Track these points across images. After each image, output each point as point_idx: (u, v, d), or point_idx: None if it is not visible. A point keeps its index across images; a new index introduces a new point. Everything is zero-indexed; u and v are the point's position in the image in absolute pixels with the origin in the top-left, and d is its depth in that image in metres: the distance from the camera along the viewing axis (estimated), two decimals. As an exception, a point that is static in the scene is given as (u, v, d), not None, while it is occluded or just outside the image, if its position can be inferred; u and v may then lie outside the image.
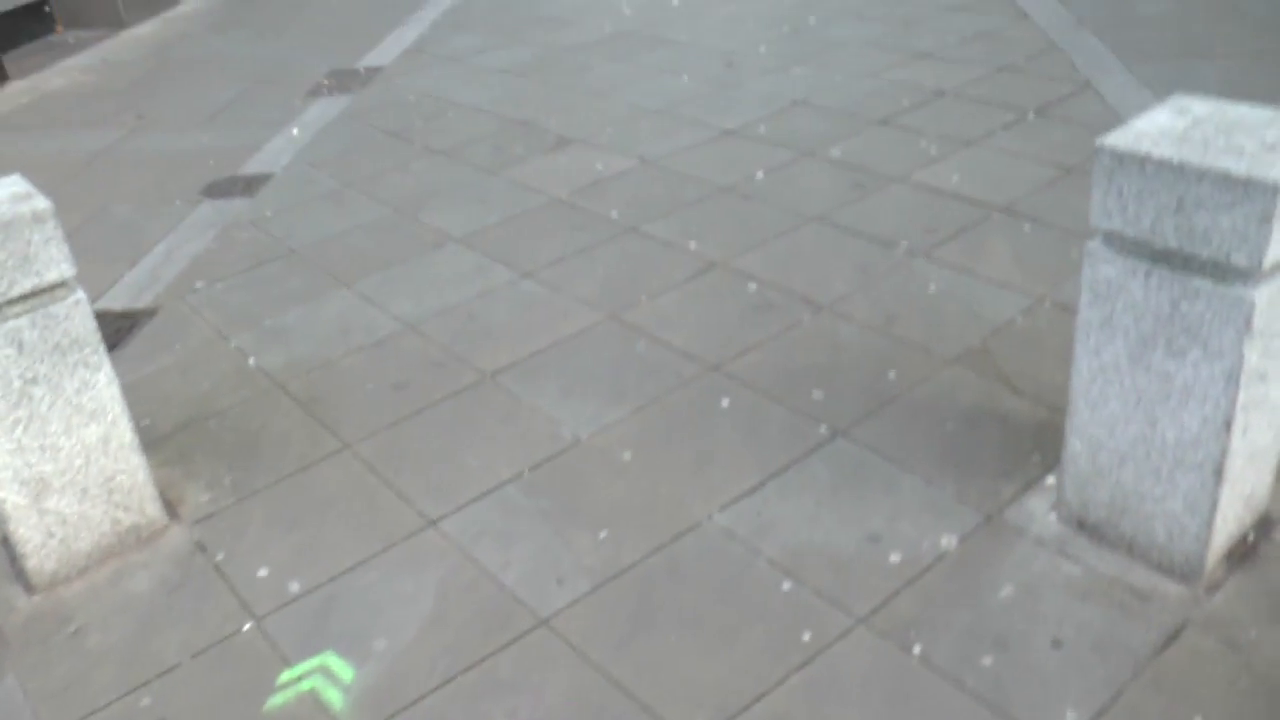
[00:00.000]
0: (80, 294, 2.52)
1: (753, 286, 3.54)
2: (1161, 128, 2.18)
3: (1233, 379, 2.15)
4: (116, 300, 4.00)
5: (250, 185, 4.90)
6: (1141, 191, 2.12)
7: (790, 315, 3.37)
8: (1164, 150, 2.09)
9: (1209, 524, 2.30)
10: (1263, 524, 2.49)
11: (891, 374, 3.05)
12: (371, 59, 6.78)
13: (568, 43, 6.65)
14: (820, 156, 4.48)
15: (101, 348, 2.59)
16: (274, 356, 3.50)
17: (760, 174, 4.36)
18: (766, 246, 3.78)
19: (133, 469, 2.71)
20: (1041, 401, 2.89)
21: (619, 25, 6.93)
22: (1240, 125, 2.14)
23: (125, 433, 2.68)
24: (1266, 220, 1.97)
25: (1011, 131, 4.56)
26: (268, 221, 4.49)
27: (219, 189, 4.90)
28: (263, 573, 2.60)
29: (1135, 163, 2.11)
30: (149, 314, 3.87)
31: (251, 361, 3.48)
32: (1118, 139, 2.17)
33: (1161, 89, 4.84)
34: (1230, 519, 2.37)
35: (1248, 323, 2.08)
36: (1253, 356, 2.14)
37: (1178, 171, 2.06)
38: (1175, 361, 2.22)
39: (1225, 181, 1.99)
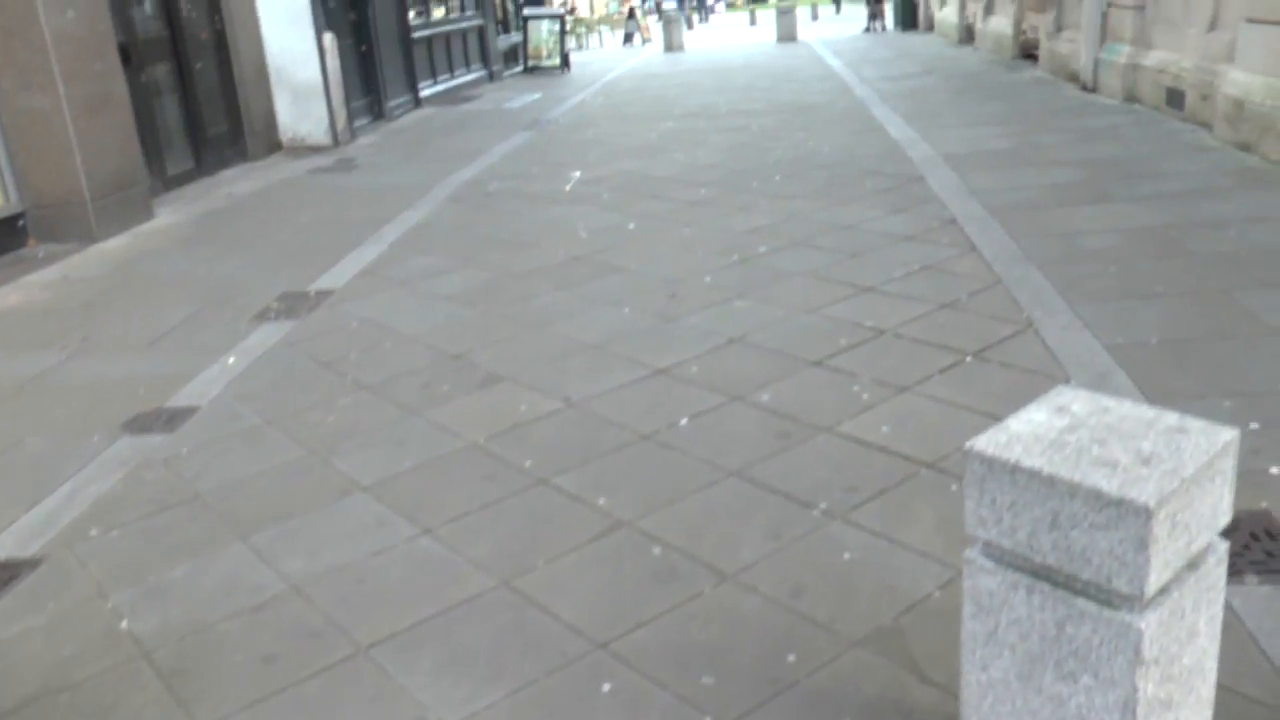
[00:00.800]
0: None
1: (657, 550, 3.34)
2: (1036, 430, 2.04)
3: (1129, 710, 1.94)
4: (3, 548, 3.80)
5: (173, 420, 4.77)
6: (1015, 503, 1.96)
7: (692, 585, 3.15)
8: (1034, 459, 1.93)
9: None
10: None
11: (791, 657, 2.82)
12: (325, 281, 6.77)
13: (519, 268, 6.66)
14: (749, 401, 4.35)
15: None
16: (149, 619, 3.27)
17: (684, 420, 4.22)
18: (677, 504, 3.59)
19: (-59, 769, 2.46)
20: (951, 692, 2.64)
21: (573, 250, 6.96)
22: (1117, 430, 2.00)
23: (-63, 728, 2.45)
24: (1143, 545, 1.79)
25: (948, 376, 4.45)
26: (180, 461, 4.34)
27: (140, 423, 4.76)
28: None
29: (1006, 471, 1.96)
30: (32, 565, 3.66)
31: (124, 624, 3.26)
32: (988, 443, 2.02)
33: (1102, 331, 4.76)
34: None
35: (1137, 652, 1.88)
36: (1148, 686, 1.93)
37: (1049, 484, 1.90)
38: (1067, 686, 2.01)
39: (1097, 500, 1.83)
